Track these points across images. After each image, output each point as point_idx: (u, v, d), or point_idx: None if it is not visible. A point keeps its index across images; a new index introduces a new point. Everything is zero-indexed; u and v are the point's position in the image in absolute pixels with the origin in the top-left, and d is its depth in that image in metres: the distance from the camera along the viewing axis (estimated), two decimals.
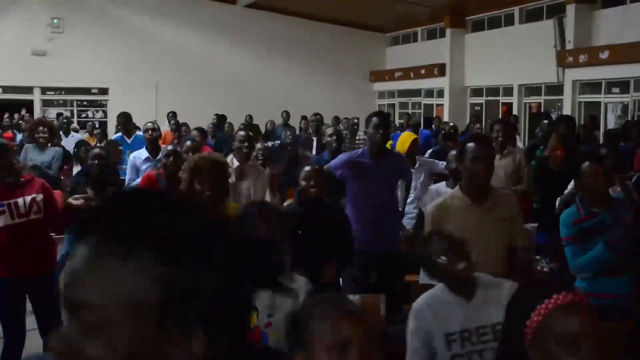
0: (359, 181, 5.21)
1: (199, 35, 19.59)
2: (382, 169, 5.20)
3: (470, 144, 3.63)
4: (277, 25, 20.11)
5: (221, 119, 14.60)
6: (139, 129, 9.96)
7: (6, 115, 14.66)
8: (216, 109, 16.15)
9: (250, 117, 15.09)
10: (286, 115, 14.70)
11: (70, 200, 4.72)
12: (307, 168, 4.82)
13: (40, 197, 4.63)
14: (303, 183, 4.75)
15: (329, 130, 7.50)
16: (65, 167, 8.78)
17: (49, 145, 7.84)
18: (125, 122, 9.25)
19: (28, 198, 4.59)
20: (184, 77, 19.27)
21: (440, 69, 18.27)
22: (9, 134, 13.12)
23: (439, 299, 2.83)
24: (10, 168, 4.66)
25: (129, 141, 8.68)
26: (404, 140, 6.46)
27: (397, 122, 17.17)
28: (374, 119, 5.20)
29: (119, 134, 9.20)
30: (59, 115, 16.57)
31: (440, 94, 18.99)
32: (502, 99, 17.43)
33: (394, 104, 21.56)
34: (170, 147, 6.04)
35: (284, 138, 9.53)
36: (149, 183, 5.68)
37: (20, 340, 4.64)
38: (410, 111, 20.33)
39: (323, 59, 20.58)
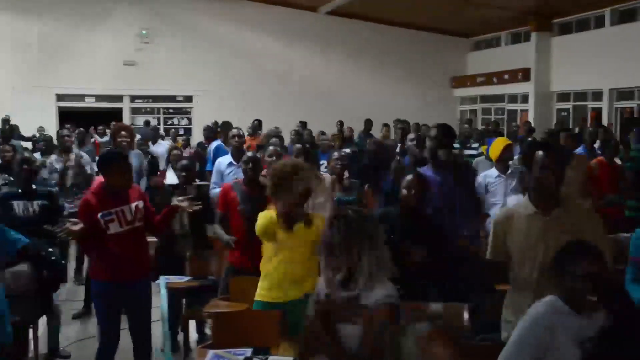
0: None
1: (282, 43, 19.85)
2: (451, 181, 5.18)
3: (539, 153, 3.51)
4: (358, 31, 20.15)
5: (304, 125, 14.71)
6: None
7: (100, 127, 15.24)
8: (299, 117, 16.32)
9: (302, 123, 15.12)
10: (367, 122, 14.67)
11: (176, 202, 4.92)
12: (409, 176, 4.81)
13: (141, 204, 4.81)
14: (404, 191, 4.74)
15: (411, 136, 7.45)
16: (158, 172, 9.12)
17: (131, 149, 8.14)
18: (226, 129, 9.45)
19: (132, 205, 4.77)
20: (267, 85, 19.56)
21: (525, 74, 17.81)
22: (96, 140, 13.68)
23: (556, 308, 2.91)
24: (131, 176, 4.91)
25: (227, 149, 8.86)
26: (497, 146, 6.36)
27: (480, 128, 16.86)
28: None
29: (218, 140, 9.39)
30: (147, 122, 17.12)
31: (525, 99, 18.51)
32: (591, 104, 16.83)
33: (476, 110, 21.18)
34: (250, 154, 6.13)
35: (369, 144, 9.48)
36: (225, 193, 5.77)
37: (115, 341, 4.83)
38: (492, 117, 19.94)
39: (403, 65, 20.46)
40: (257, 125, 13.55)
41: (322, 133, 12.27)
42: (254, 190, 5.53)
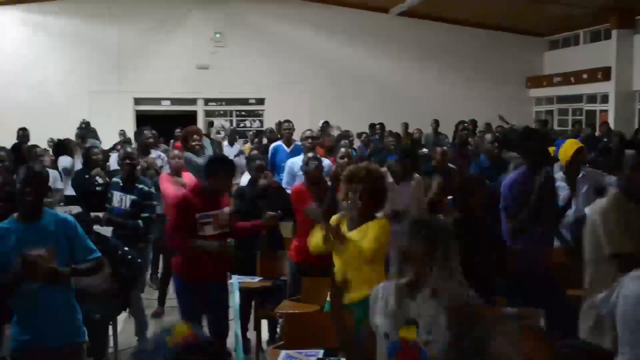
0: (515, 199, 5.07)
1: (352, 44, 19.83)
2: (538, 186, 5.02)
3: (630, 151, 3.48)
4: (429, 32, 19.93)
5: (374, 128, 14.66)
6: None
7: (177, 130, 15.56)
8: (369, 118, 16.29)
9: (379, 125, 15.02)
10: (435, 123, 14.49)
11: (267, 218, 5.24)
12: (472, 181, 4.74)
13: (229, 208, 5.00)
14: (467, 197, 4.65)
15: (489, 137, 7.30)
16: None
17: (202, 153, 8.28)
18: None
19: (226, 210, 4.94)
20: (337, 87, 19.59)
21: (605, 73, 17.18)
22: (178, 143, 13.96)
23: None
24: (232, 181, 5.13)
25: (288, 150, 8.93)
26: (567, 148, 6.10)
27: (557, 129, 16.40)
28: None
29: (279, 142, 9.47)
30: (211, 123, 17.21)
31: (605, 99, 17.86)
32: None
33: (552, 111, 20.60)
34: (311, 155, 6.16)
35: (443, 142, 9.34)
36: (298, 193, 5.81)
37: None
38: (570, 118, 19.35)
39: (476, 66, 20.10)
40: (325, 126, 13.59)
41: (390, 133, 12.19)
42: (320, 192, 5.58)
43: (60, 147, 9.97)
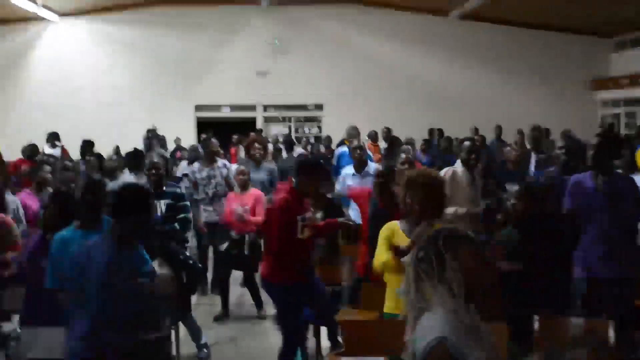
0: (582, 203, 4.92)
1: (412, 49, 19.69)
2: (606, 190, 4.84)
3: None
4: (490, 35, 19.61)
5: (433, 133, 14.53)
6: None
7: (234, 136, 15.76)
8: (428, 124, 16.12)
9: (438, 130, 14.80)
10: (498, 129, 14.24)
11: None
12: (518, 187, 4.62)
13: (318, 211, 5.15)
14: (514, 202, 4.55)
15: (559, 144, 7.15)
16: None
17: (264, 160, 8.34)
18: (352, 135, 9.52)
19: (315, 214, 5.04)
20: (397, 92, 19.47)
21: None
22: (233, 149, 14.16)
23: None
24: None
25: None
26: None
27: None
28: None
29: (343, 147, 9.46)
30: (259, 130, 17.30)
31: None
32: None
33: (619, 114, 19.96)
34: (379, 166, 6.17)
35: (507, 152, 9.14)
36: (359, 194, 5.84)
37: (304, 340, 5.11)
38: (638, 121, 18.72)
39: (538, 69, 19.66)
40: (387, 132, 13.55)
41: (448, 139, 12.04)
42: (385, 201, 5.55)
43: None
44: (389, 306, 4.29)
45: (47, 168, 7.33)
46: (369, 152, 9.13)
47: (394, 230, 4.23)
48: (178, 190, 6.51)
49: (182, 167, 9.99)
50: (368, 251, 5.27)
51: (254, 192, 7.26)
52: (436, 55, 19.71)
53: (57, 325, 4.02)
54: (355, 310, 5.29)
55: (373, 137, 13.67)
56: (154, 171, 6.43)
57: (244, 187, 7.23)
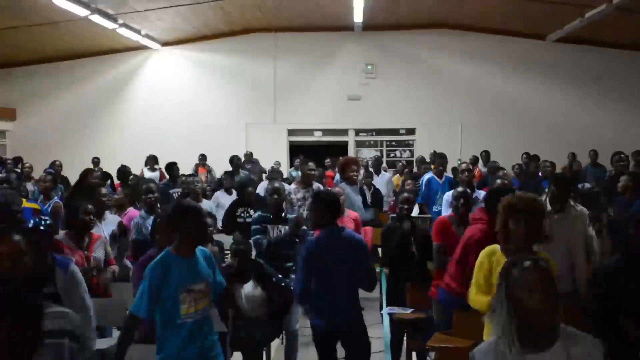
0: None
1: (505, 73, 19.33)
2: None
3: None
4: (588, 58, 18.97)
5: (532, 159, 14.20)
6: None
7: (327, 160, 15.95)
8: (523, 149, 15.73)
9: (533, 155, 14.34)
10: (594, 154, 13.75)
11: None
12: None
13: None
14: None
15: None
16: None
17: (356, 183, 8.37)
18: (441, 161, 9.42)
19: None
20: (490, 116, 19.13)
21: None
22: (329, 172, 14.30)
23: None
24: None
25: (440, 181, 8.85)
26: None
27: None
28: None
29: (431, 173, 9.39)
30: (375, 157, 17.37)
31: None
32: None
33: None
34: (460, 189, 6.05)
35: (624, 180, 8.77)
36: (441, 226, 5.77)
37: None
38: None
39: (638, 92, 18.84)
40: (478, 158, 13.34)
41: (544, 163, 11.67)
42: (465, 225, 5.48)
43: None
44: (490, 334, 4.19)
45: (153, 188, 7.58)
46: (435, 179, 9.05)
47: (492, 256, 4.13)
48: (299, 217, 6.65)
49: (261, 188, 10.22)
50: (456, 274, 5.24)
51: (352, 214, 7.27)
52: (531, 79, 19.25)
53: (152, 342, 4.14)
54: (447, 336, 5.19)
55: (473, 162, 13.47)
56: (275, 196, 6.59)
57: (342, 210, 7.23)
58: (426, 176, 9.33)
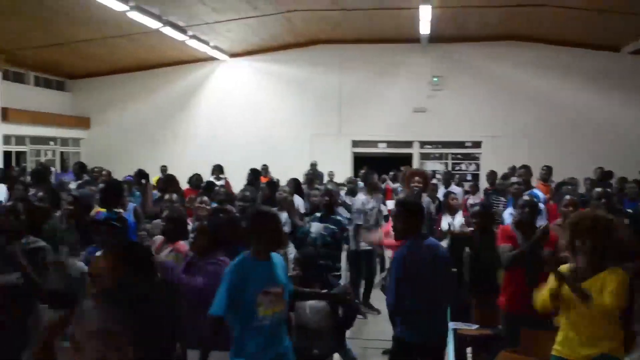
0: None
1: (575, 85, 18.84)
2: None
3: None
4: None
5: (607, 175, 13.75)
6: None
7: (391, 172, 15.87)
8: (595, 163, 15.27)
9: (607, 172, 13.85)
10: None
11: None
12: None
13: None
14: None
15: None
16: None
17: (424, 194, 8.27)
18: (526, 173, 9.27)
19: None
20: (559, 130, 18.67)
21: None
22: (389, 185, 14.21)
23: None
24: None
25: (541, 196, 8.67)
26: None
27: None
28: None
29: None
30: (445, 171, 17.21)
31: None
32: None
33: None
34: (526, 198, 5.96)
35: None
36: (505, 234, 5.70)
37: None
38: None
39: None
40: (546, 171, 12.96)
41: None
42: (529, 235, 5.36)
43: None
44: (558, 350, 4.07)
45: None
46: (540, 192, 8.80)
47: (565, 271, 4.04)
48: (342, 220, 6.73)
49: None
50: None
51: None
52: (605, 91, 18.69)
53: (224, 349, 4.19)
54: (514, 355, 5.06)
55: (544, 176, 13.09)
56: (327, 198, 6.83)
57: None
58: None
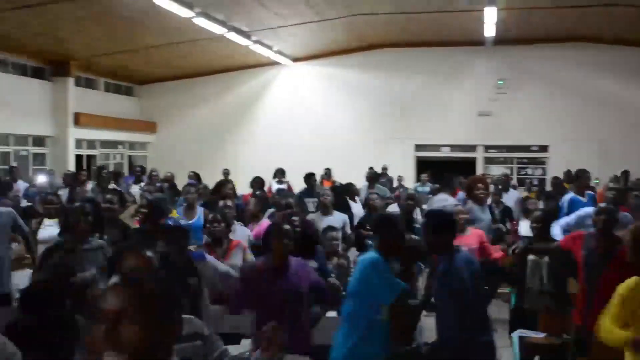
0: None
1: None
2: None
3: None
4: None
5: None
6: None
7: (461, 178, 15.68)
8: None
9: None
10: None
11: None
12: None
13: None
14: None
15: None
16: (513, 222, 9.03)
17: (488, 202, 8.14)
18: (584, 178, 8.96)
19: None
20: (632, 133, 18.03)
21: None
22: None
23: None
24: None
25: (584, 200, 8.42)
26: None
27: None
28: None
29: (571, 193, 8.94)
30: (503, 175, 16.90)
31: None
32: None
33: None
34: (604, 204, 5.75)
35: None
36: (571, 241, 5.54)
37: None
38: None
39: None
40: (623, 176, 12.59)
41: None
42: (600, 246, 5.17)
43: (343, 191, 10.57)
44: None
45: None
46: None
47: (636, 290, 3.84)
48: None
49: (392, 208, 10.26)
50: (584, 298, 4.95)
51: (476, 231, 7.08)
52: None
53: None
54: None
55: (614, 181, 12.67)
56: (410, 202, 6.99)
57: (462, 228, 7.03)
58: (567, 196, 8.72)
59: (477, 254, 6.68)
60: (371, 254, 4.33)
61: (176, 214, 7.58)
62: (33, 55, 16.98)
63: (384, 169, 16.76)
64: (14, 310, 5.17)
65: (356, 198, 10.41)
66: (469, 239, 6.95)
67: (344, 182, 13.71)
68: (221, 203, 7.51)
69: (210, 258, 5.28)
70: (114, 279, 2.49)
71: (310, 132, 20.07)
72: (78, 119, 17.87)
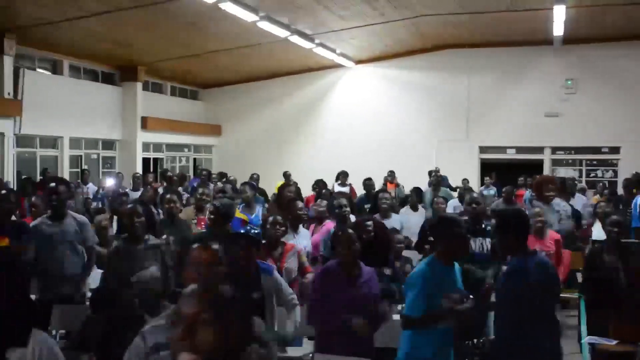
0: None
1: None
2: None
3: None
4: None
5: None
6: None
7: (520, 178, 15.37)
8: None
9: None
10: None
11: None
12: None
13: None
14: None
15: None
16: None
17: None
18: None
19: None
20: None
21: None
22: (521, 191, 13.74)
23: None
24: None
25: None
26: None
27: None
28: None
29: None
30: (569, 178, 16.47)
31: None
32: None
33: None
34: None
35: None
36: None
37: None
38: None
39: None
40: None
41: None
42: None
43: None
44: None
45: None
46: None
47: None
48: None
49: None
50: None
51: (553, 235, 6.90)
52: None
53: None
54: None
55: None
56: (474, 205, 6.61)
57: (540, 232, 6.84)
58: (638, 199, 8.39)
59: (554, 259, 6.50)
60: (422, 265, 4.25)
61: (239, 213, 7.65)
62: (103, 61, 17.51)
63: (436, 171, 16.41)
64: (86, 308, 5.33)
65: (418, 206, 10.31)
66: (546, 243, 6.79)
67: (407, 184, 13.64)
68: (300, 204, 7.46)
69: (277, 275, 5.04)
70: (191, 286, 2.52)
71: (372, 134, 19.99)
72: (145, 123, 18.31)
